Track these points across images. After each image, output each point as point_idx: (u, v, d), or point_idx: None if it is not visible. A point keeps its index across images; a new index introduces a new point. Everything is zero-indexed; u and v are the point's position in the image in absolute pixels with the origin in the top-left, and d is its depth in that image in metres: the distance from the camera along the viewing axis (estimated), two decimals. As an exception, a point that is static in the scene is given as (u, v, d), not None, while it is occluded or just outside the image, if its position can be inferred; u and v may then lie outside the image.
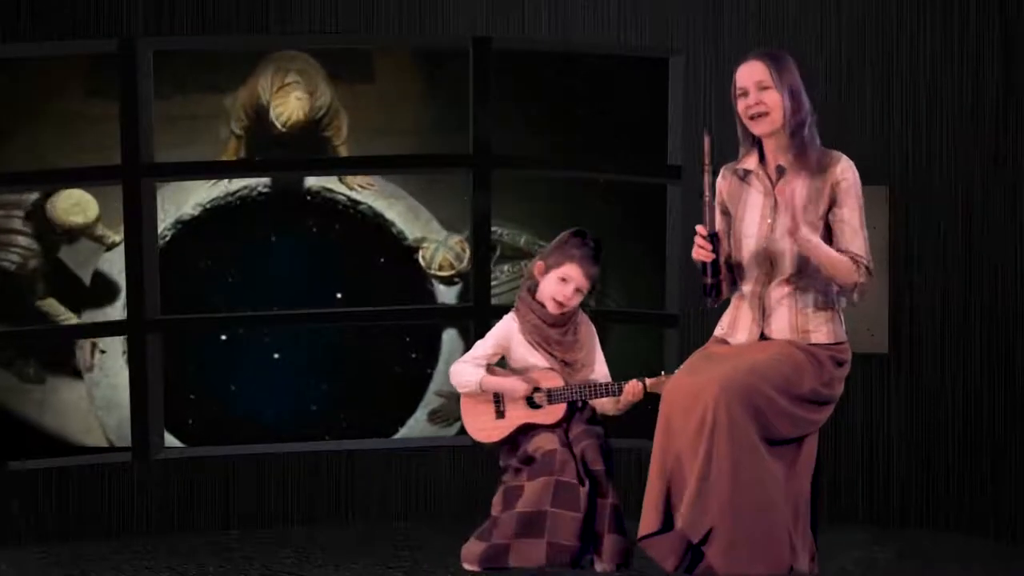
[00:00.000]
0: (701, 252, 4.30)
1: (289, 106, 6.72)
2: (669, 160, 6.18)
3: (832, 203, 4.27)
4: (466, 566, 4.63)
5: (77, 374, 6.74)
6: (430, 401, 6.71)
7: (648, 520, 4.19)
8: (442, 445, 6.23)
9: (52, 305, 6.67)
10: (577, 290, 4.74)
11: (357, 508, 6.01)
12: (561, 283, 4.73)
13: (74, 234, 6.73)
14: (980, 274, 5.90)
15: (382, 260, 6.92)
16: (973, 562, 5.31)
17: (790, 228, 4.17)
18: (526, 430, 4.70)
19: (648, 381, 4.61)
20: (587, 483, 4.56)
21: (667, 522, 4.18)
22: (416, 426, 6.73)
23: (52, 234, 6.71)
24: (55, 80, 6.51)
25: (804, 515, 4.22)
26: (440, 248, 6.86)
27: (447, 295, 6.82)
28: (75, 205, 6.65)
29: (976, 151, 5.90)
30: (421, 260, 6.95)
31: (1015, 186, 5.81)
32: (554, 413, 4.69)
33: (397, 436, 6.60)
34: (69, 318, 6.69)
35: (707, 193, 4.32)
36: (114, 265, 6.70)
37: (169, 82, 6.36)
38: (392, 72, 6.75)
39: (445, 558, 4.87)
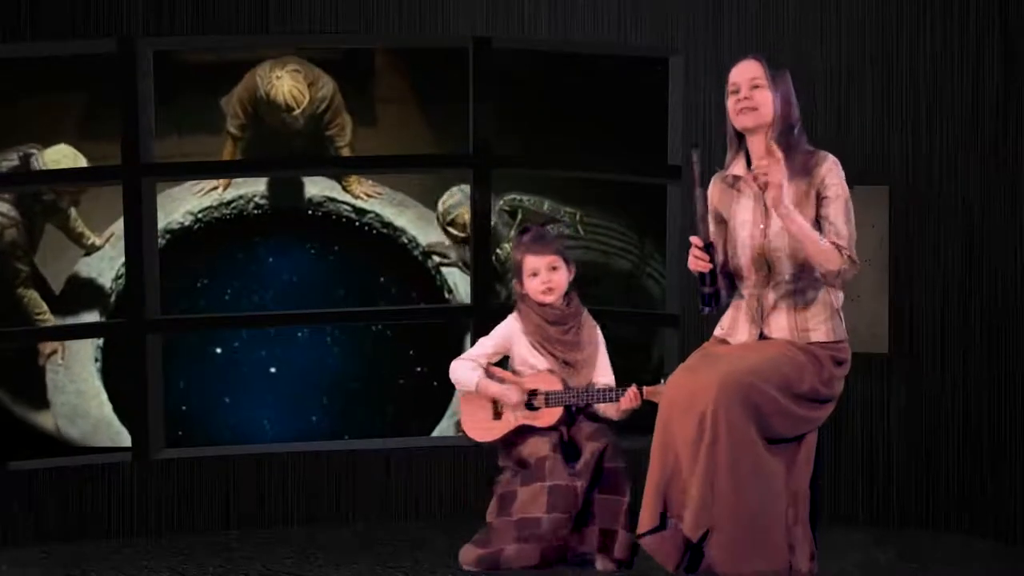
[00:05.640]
0: (698, 263, 4.33)
1: (285, 84, 6.68)
2: (669, 160, 6.17)
3: (819, 204, 4.29)
4: (465, 567, 4.67)
5: (43, 405, 6.66)
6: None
7: (646, 517, 4.21)
8: (442, 446, 6.23)
9: (33, 298, 6.62)
10: (552, 269, 4.78)
11: (357, 508, 6.01)
12: (533, 278, 4.78)
13: (59, 199, 6.64)
14: (980, 274, 5.89)
15: (391, 275, 6.83)
16: (973, 562, 5.31)
17: (773, 198, 4.17)
18: (522, 431, 4.71)
19: (646, 389, 4.64)
20: (582, 481, 4.58)
21: (664, 519, 4.20)
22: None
23: (34, 198, 6.63)
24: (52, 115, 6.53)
25: (803, 513, 4.23)
26: (464, 201, 6.76)
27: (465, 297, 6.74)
28: (64, 158, 6.61)
29: (976, 151, 5.90)
30: (440, 206, 6.85)
31: (1015, 186, 5.81)
32: (550, 417, 4.71)
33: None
34: (47, 318, 6.63)
35: (700, 205, 4.34)
36: (92, 269, 6.63)
37: (166, 121, 6.33)
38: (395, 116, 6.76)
39: (445, 558, 4.88)
